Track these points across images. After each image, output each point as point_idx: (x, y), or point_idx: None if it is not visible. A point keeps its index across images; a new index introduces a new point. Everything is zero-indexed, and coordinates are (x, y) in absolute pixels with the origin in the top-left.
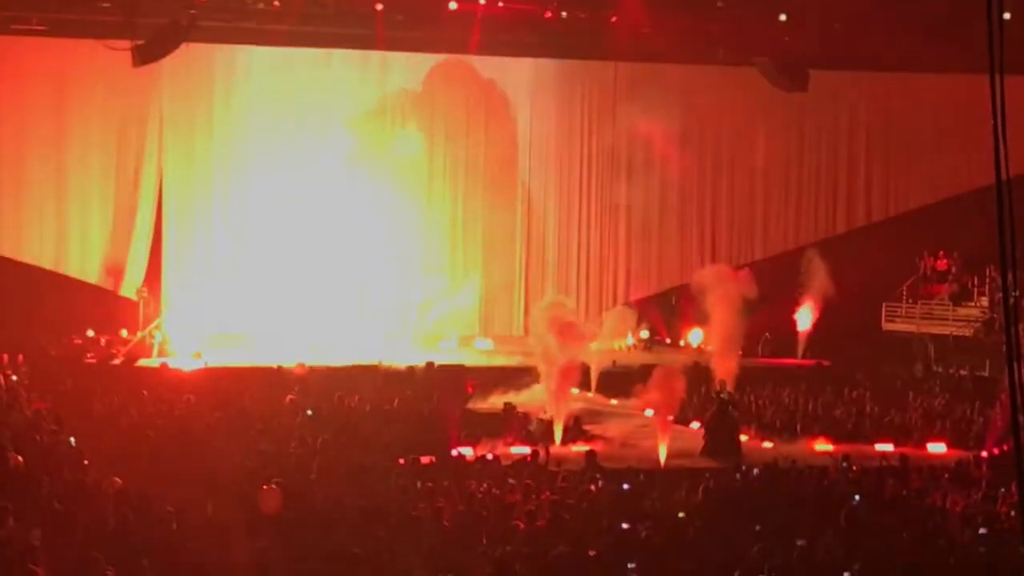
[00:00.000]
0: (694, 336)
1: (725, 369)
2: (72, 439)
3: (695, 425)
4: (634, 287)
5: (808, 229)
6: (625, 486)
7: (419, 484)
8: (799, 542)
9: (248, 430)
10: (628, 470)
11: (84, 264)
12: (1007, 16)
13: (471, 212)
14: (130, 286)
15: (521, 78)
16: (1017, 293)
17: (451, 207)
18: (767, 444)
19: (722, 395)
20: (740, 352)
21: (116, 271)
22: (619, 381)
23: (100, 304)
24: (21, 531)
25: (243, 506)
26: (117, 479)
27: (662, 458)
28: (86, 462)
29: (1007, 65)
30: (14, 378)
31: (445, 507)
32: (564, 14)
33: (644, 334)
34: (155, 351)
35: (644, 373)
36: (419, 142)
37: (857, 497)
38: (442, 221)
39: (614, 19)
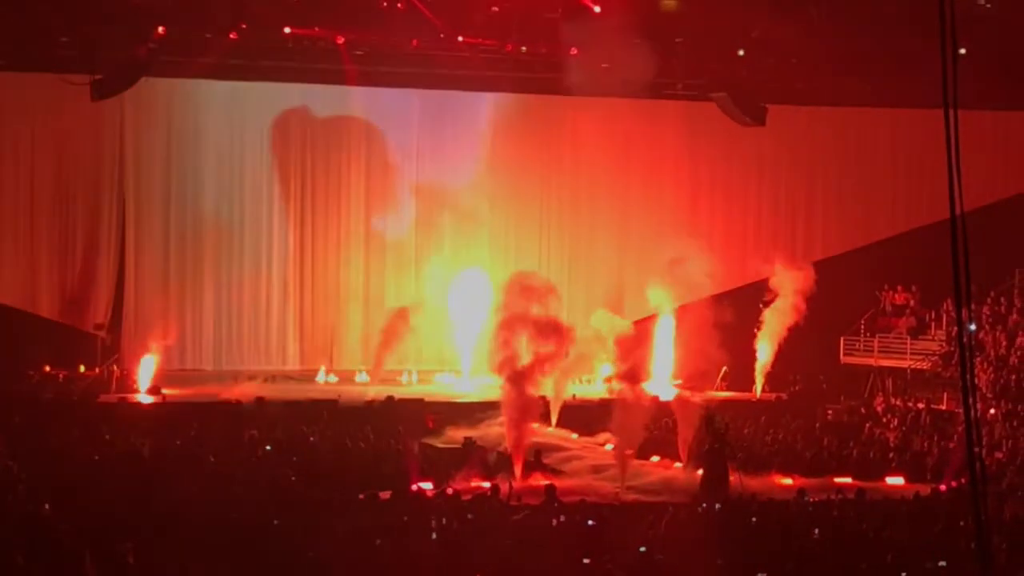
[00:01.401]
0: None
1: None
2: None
3: (655, 459)
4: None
5: (767, 262)
6: (590, 522)
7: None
8: None
9: (206, 465)
10: (588, 504)
11: (41, 298)
12: (962, 51)
13: (432, 245)
14: (88, 321)
15: (482, 112)
16: (972, 326)
17: (417, 242)
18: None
19: (719, 429)
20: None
21: (75, 305)
22: (579, 415)
23: (58, 339)
24: None
25: (201, 543)
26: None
27: (622, 493)
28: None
29: (961, 100)
30: None
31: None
32: (524, 48)
33: (606, 369)
34: (113, 386)
35: (604, 408)
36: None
37: (816, 530)
38: (407, 253)
39: (573, 52)
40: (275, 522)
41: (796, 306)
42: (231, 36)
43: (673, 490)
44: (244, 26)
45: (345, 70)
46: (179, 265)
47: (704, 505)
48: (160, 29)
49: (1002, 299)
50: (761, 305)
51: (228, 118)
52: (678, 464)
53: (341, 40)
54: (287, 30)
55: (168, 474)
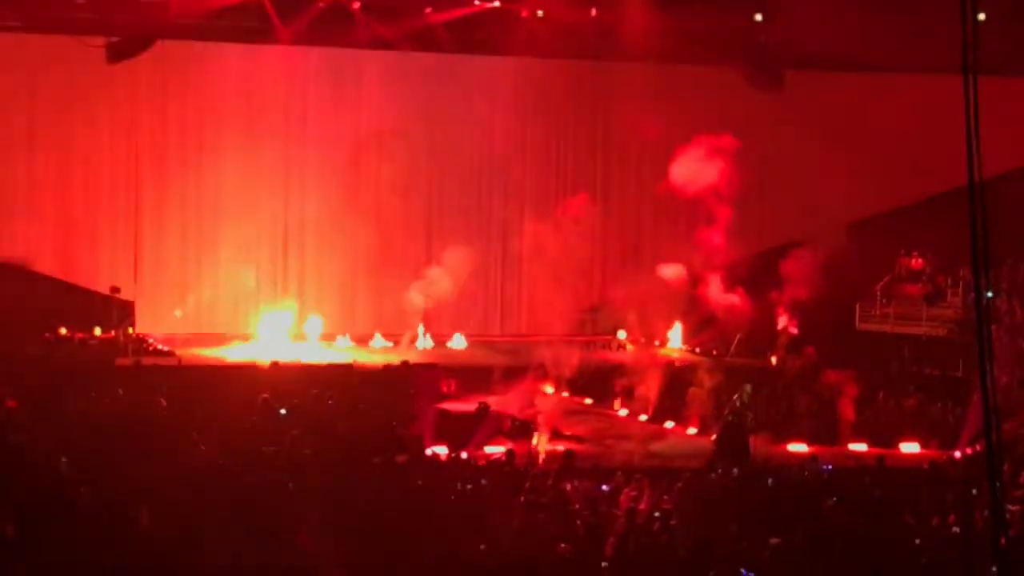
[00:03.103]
0: (673, 335)
1: None
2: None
3: (669, 424)
4: (611, 288)
5: (783, 229)
6: (604, 487)
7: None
8: (772, 540)
9: (222, 428)
10: (602, 469)
11: (57, 261)
12: (981, 17)
13: (447, 207)
14: (104, 283)
15: (498, 77)
16: (989, 293)
17: (428, 202)
18: None
19: (741, 398)
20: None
21: (89, 268)
22: (593, 380)
23: (74, 302)
24: None
25: (217, 505)
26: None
27: (636, 458)
28: (64, 459)
29: (981, 65)
30: None
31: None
32: (540, 13)
33: (621, 334)
34: (129, 349)
35: (618, 372)
36: (397, 139)
37: (832, 497)
38: (418, 216)
39: (593, 13)
40: (289, 485)
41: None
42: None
43: (687, 455)
44: None
45: (359, 34)
46: (196, 228)
47: (719, 471)
48: None
49: (1021, 266)
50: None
51: (244, 81)
52: (692, 430)
53: (356, 4)
54: None
55: (183, 437)
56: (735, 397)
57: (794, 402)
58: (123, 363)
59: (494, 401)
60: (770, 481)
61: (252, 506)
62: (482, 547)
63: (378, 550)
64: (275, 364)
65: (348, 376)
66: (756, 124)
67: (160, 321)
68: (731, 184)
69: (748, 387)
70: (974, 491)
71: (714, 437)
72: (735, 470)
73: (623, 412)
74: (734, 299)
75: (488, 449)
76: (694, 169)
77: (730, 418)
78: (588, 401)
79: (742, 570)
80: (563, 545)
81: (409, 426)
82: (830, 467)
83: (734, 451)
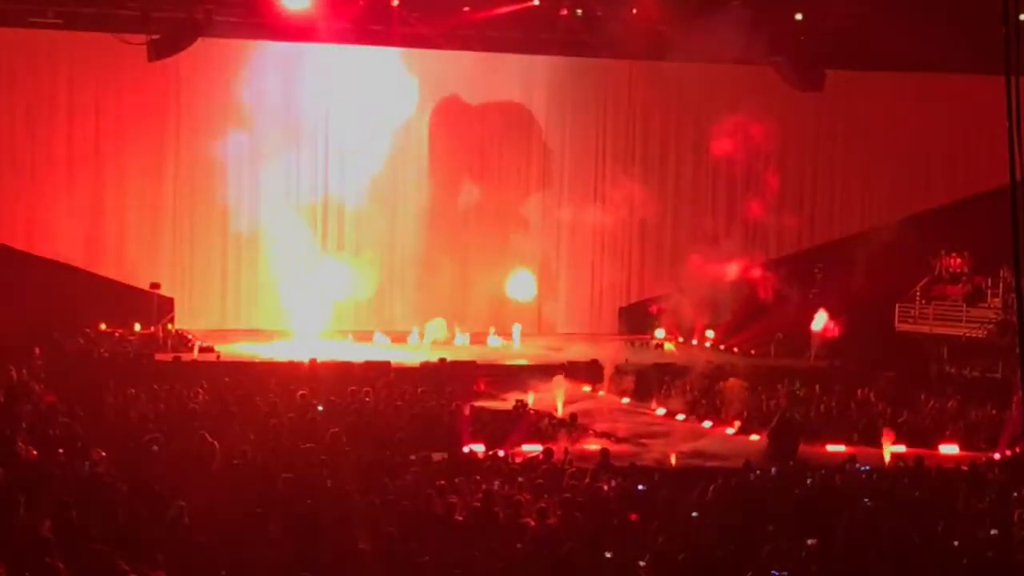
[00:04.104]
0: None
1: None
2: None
3: (707, 424)
4: (647, 286)
5: (823, 229)
6: (640, 487)
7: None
8: (809, 541)
9: (261, 424)
10: (640, 469)
11: (98, 257)
12: (1023, 18)
13: (484, 207)
14: (144, 279)
15: (535, 76)
16: None
17: (463, 200)
18: None
19: (793, 396)
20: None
21: (130, 265)
22: (630, 379)
23: (114, 297)
24: (32, 522)
25: (255, 500)
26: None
27: (674, 457)
28: (103, 454)
29: (1022, 66)
30: (24, 372)
31: (457, 504)
32: (579, 11)
33: (659, 333)
34: (168, 345)
35: (656, 371)
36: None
37: (868, 499)
38: (454, 215)
39: (634, 11)
40: (328, 483)
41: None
42: None
43: (725, 455)
44: None
45: (399, 32)
46: (235, 226)
47: (757, 472)
48: None
49: None
50: (817, 271)
51: (284, 79)
52: (730, 430)
53: (396, 1)
54: None
55: (221, 433)
56: (788, 394)
57: (833, 402)
58: (163, 359)
59: (531, 399)
60: (808, 481)
61: (290, 503)
62: (519, 546)
63: (413, 548)
64: (313, 361)
65: (385, 373)
66: (796, 124)
67: (200, 317)
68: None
69: (799, 386)
70: (1015, 493)
71: (767, 434)
72: (775, 469)
73: (661, 411)
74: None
75: (525, 447)
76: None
77: (785, 416)
78: (625, 400)
79: (773, 571)
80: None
81: (446, 423)
82: (868, 468)
83: (785, 449)
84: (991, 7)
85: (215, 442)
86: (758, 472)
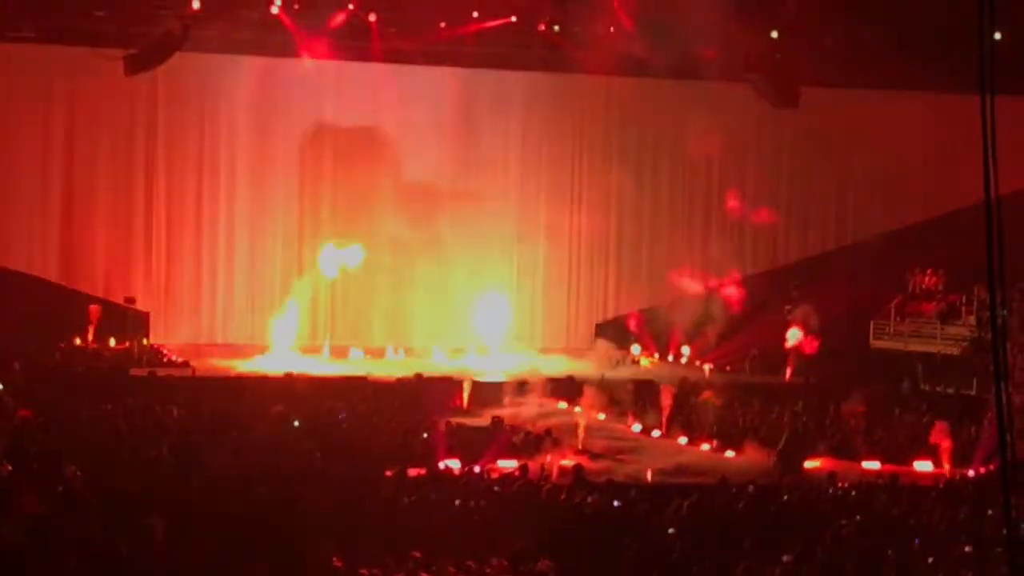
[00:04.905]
0: (686, 351)
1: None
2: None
3: (682, 440)
4: (624, 303)
5: (798, 245)
6: (616, 503)
7: (406, 499)
8: (785, 558)
9: (235, 440)
10: (616, 485)
11: (72, 271)
12: (998, 36)
13: (461, 222)
14: (119, 294)
15: (513, 92)
16: (1004, 312)
17: (440, 216)
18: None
19: (798, 413)
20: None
21: (104, 278)
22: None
23: (87, 311)
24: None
25: (228, 515)
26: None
27: (649, 473)
28: (77, 472)
29: (997, 85)
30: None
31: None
32: (557, 28)
33: (635, 349)
34: (143, 359)
35: (632, 388)
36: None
37: (844, 516)
38: (430, 231)
39: (611, 30)
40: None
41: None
42: (270, 12)
43: (700, 471)
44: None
45: (375, 48)
46: (210, 240)
47: (733, 489)
48: (195, 4)
49: None
50: (792, 288)
51: (260, 94)
52: (705, 446)
53: (373, 17)
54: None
55: (196, 449)
56: (793, 411)
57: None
58: (137, 373)
59: (507, 415)
60: (785, 497)
61: (265, 518)
62: (493, 561)
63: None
64: (289, 376)
65: (362, 389)
66: (771, 140)
67: (174, 332)
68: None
69: (801, 403)
70: (988, 511)
71: (778, 450)
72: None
73: (636, 428)
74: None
75: (501, 463)
76: None
77: (794, 431)
78: (601, 416)
79: None
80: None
81: (422, 439)
82: (845, 485)
83: (792, 464)
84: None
85: (190, 457)
86: (734, 489)
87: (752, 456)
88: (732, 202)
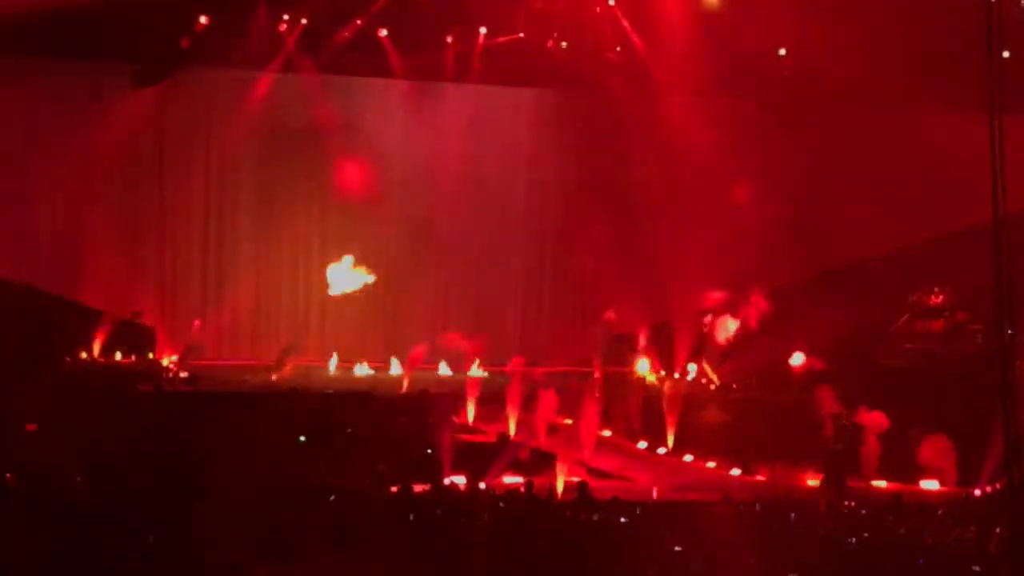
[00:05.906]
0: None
1: None
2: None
3: (688, 458)
4: (632, 318)
5: (802, 264)
6: (622, 519)
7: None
8: None
9: (240, 455)
10: (621, 501)
11: (79, 285)
12: (1006, 54)
13: (468, 236)
14: (126, 308)
15: (517, 106)
16: (1011, 330)
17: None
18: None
19: (842, 428)
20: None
21: (111, 293)
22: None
23: (94, 326)
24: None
25: (234, 529)
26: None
27: (655, 491)
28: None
29: (1006, 103)
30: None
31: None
32: (564, 44)
33: (642, 365)
34: (149, 374)
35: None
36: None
37: (851, 533)
38: (433, 245)
39: (617, 49)
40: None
41: None
42: (279, 27)
43: (707, 488)
44: (286, 18)
45: (387, 64)
46: (217, 256)
47: (739, 506)
48: (203, 19)
49: None
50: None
51: (269, 110)
52: (711, 463)
53: (384, 32)
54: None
55: (200, 464)
56: (837, 426)
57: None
58: (144, 389)
59: (514, 431)
60: (792, 515)
61: (269, 532)
62: None
63: None
64: (295, 391)
65: (367, 404)
66: (775, 157)
67: (182, 347)
68: None
69: (846, 416)
70: (996, 529)
71: (824, 469)
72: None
73: (642, 444)
74: None
75: (507, 479)
76: None
77: (837, 448)
78: (607, 433)
79: None
80: None
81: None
82: (852, 503)
83: (835, 482)
84: (975, 43)
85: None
86: (740, 506)
87: (758, 474)
88: (742, 215)
